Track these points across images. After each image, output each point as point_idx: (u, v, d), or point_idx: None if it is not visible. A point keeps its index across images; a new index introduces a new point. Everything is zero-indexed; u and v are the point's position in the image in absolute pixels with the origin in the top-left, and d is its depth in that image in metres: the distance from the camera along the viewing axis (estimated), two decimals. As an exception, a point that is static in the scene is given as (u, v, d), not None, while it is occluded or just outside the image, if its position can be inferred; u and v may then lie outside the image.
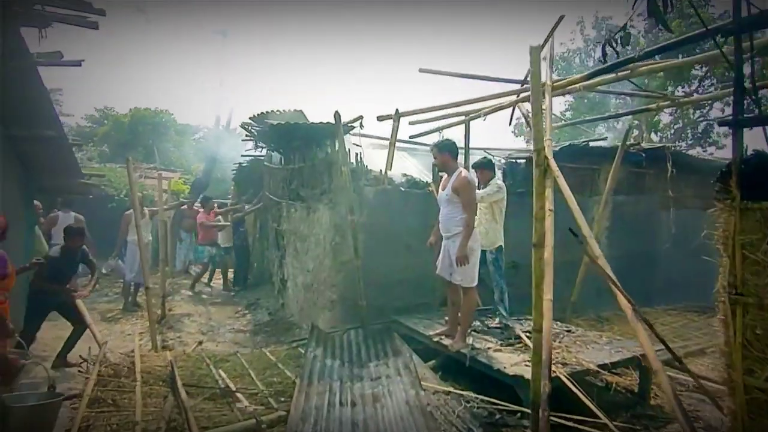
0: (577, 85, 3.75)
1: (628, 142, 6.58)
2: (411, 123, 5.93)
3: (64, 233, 5.20)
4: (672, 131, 15.66)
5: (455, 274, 4.54)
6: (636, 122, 11.62)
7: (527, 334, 4.79)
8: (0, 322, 3.69)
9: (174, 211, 10.53)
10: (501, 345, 4.55)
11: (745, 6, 2.05)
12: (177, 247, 11.17)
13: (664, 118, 15.46)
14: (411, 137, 6.61)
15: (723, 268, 2.45)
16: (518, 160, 7.44)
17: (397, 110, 5.69)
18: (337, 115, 5.44)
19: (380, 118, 5.74)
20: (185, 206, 11.05)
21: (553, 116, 6.70)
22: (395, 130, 5.70)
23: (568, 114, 15.41)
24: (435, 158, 4.79)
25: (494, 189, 5.22)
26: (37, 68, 4.23)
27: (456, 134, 6.62)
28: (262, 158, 9.64)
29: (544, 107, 3.67)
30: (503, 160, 7.45)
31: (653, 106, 5.44)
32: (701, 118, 15.18)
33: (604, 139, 7.32)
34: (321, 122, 5.77)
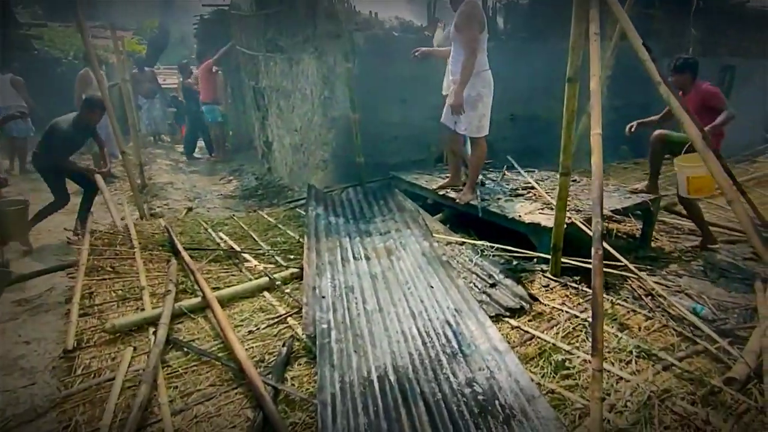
0: None
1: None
2: None
3: (84, 104, 4.63)
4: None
5: (459, 123, 4.19)
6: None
7: (538, 182, 4.67)
8: None
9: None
10: (510, 196, 4.42)
11: None
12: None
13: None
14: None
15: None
16: (520, 0, 6.67)
17: None
18: None
19: None
20: (136, 70, 9.92)
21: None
22: None
23: None
24: None
25: None
26: None
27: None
28: (227, 7, 8.47)
29: None
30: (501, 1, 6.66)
31: None
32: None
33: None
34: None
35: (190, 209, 5.77)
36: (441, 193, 4.56)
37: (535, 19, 6.63)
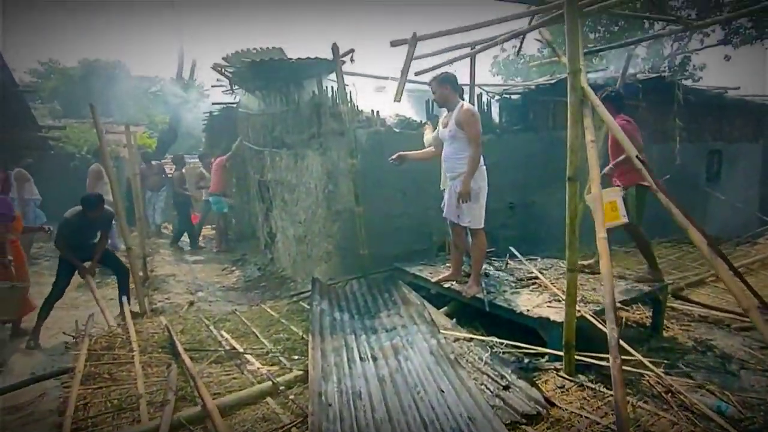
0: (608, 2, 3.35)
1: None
2: (415, 38, 5.34)
3: (81, 203, 4.82)
4: (650, 65, 15.49)
5: (463, 215, 4.27)
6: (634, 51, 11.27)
7: (542, 272, 4.65)
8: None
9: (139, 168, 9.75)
10: (516, 287, 4.38)
11: None
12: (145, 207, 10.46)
13: (641, 51, 15.26)
14: (416, 73, 5.97)
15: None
16: (512, 96, 7.08)
17: (414, 34, 5.07)
18: (335, 47, 4.92)
19: (394, 43, 5.17)
20: (144, 165, 10.28)
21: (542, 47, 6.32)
22: (410, 56, 5.11)
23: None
24: (434, 92, 4.34)
25: None
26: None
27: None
28: (235, 105, 8.97)
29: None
30: (497, 96, 7.07)
31: (665, 31, 5.11)
32: (679, 51, 15.05)
33: (605, 69, 7.00)
34: (308, 58, 5.22)
35: (191, 303, 5.70)
36: (446, 285, 4.53)
37: (528, 112, 6.99)
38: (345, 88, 5.08)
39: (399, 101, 5.13)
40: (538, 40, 4.51)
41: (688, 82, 15.49)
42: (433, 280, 4.67)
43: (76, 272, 4.90)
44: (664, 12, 5.06)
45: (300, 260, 6.39)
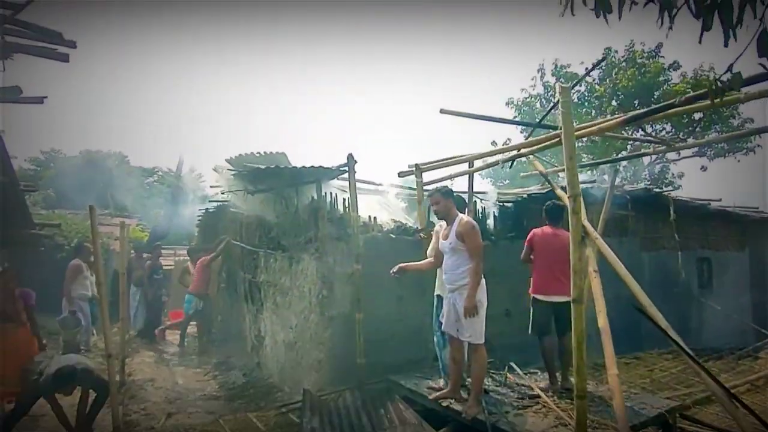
0: (597, 128, 3.56)
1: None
2: (419, 168, 5.60)
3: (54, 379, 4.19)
4: (631, 173, 16.29)
5: (463, 330, 4.15)
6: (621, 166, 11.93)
7: (547, 393, 4.43)
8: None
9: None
10: (518, 407, 4.15)
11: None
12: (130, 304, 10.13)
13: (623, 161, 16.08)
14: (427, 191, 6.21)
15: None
16: (506, 203, 7.27)
17: (417, 165, 5.44)
18: (350, 158, 5.12)
19: (401, 174, 5.73)
20: (134, 254, 10.18)
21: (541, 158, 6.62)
22: (420, 185, 5.46)
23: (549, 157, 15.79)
24: (437, 204, 4.36)
25: None
26: (-10, 106, 3.69)
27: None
28: (227, 203, 9.05)
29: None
30: (492, 204, 7.25)
31: (649, 150, 5.42)
32: (658, 161, 15.92)
33: (593, 182, 7.31)
34: (311, 166, 5.39)
35: (169, 415, 5.29)
36: (444, 404, 4.28)
37: (522, 220, 7.13)
38: (356, 196, 5.21)
39: (422, 234, 5.38)
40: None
41: (669, 189, 16.31)
42: (430, 397, 4.42)
43: None
44: (647, 134, 5.41)
45: (289, 367, 6.08)
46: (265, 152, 6.68)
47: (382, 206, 7.02)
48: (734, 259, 10.28)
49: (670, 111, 2.90)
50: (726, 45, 1.72)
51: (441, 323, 4.57)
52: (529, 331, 4.82)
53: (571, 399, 4.26)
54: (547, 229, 4.93)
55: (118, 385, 5.91)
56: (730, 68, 1.77)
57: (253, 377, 6.75)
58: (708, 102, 2.64)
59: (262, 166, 5.70)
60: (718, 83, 1.77)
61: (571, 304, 2.99)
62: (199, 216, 10.60)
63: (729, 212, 9.67)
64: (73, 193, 18.89)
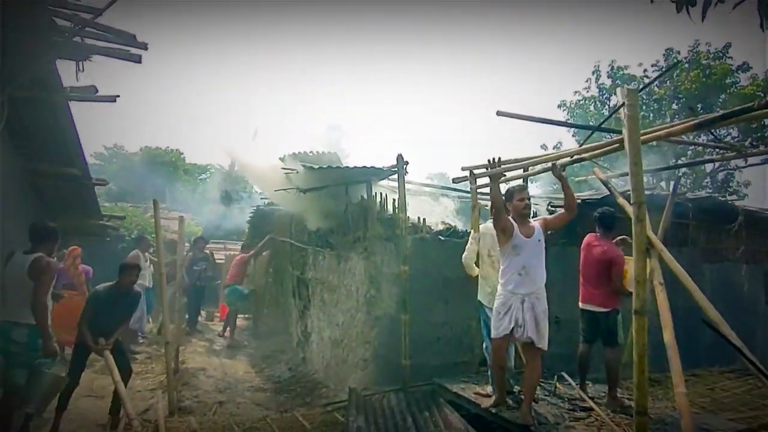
0: (665, 132, 3.38)
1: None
2: (463, 169, 5.54)
3: (119, 270, 4.75)
4: (691, 180, 15.46)
5: (540, 337, 3.91)
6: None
7: (596, 401, 4.28)
8: None
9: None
10: (569, 419, 4.02)
11: None
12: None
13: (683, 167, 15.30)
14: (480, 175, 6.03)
15: None
16: (558, 209, 7.06)
17: (471, 171, 5.34)
18: (399, 158, 5.15)
19: (456, 180, 5.74)
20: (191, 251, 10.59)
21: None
22: (474, 192, 5.37)
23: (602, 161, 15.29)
24: (527, 199, 4.14)
25: None
26: (68, 103, 3.94)
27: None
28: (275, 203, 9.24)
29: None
30: (544, 209, 7.07)
31: (717, 156, 5.13)
32: (721, 168, 15.02)
33: (652, 189, 6.98)
34: (363, 167, 5.44)
35: (220, 403, 5.48)
36: (494, 411, 4.20)
37: (575, 225, 6.90)
38: (405, 197, 5.20)
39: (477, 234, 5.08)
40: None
41: (733, 198, 15.38)
42: (483, 406, 4.32)
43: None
44: (715, 138, 5.09)
45: (334, 364, 6.16)
46: (318, 152, 6.79)
47: (432, 207, 6.98)
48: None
49: (747, 115, 2.72)
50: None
51: (490, 329, 4.48)
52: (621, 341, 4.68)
53: (625, 414, 4.10)
54: (591, 237, 4.85)
55: (174, 370, 6.22)
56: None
57: (298, 372, 6.88)
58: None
59: (316, 166, 5.80)
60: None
61: (633, 316, 2.86)
62: (251, 213, 10.89)
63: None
64: (133, 188, 19.92)
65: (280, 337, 8.95)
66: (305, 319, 7.23)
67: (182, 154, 23.68)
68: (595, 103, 17.03)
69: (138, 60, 3.55)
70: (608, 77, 16.77)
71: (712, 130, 3.75)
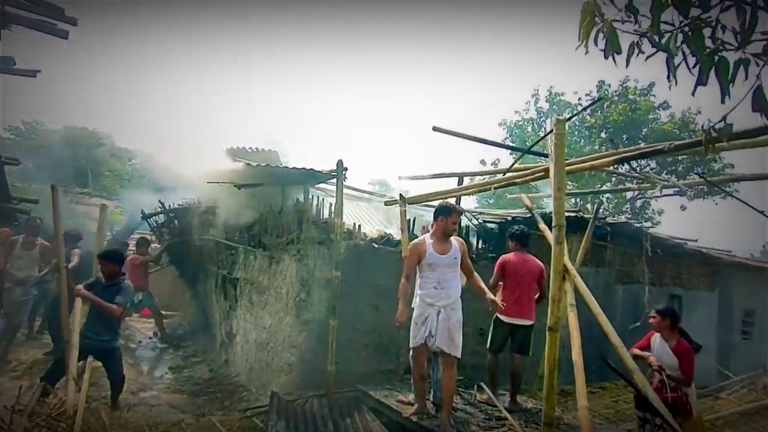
0: (589, 164, 3.63)
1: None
2: (400, 178, 5.64)
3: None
4: (613, 204, 16.59)
5: (455, 346, 4.09)
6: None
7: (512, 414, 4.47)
8: None
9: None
10: (484, 428, 4.17)
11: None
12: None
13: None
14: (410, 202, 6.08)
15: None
16: (489, 224, 7.34)
17: (401, 195, 5.51)
18: (339, 163, 5.11)
19: (388, 203, 5.79)
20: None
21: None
22: (403, 215, 5.42)
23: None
24: (454, 223, 4.27)
25: None
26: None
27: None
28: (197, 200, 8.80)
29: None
30: (475, 222, 7.32)
31: (633, 186, 5.56)
32: (640, 196, 16.24)
33: (577, 211, 7.42)
34: (302, 168, 5.37)
35: (132, 406, 5.17)
36: (414, 419, 4.26)
37: (504, 239, 7.20)
38: (342, 203, 5.17)
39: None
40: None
41: (648, 225, 16.66)
42: (404, 415, 4.36)
43: None
44: (633, 169, 5.55)
45: (258, 368, 6.01)
46: (258, 148, 6.62)
47: (369, 213, 7.01)
48: (704, 298, 10.52)
49: (659, 155, 2.97)
50: (723, 102, 1.78)
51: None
52: (487, 347, 5.04)
53: (536, 423, 4.32)
54: (516, 255, 5.05)
55: (80, 369, 5.78)
56: (723, 119, 1.84)
57: (219, 374, 6.65)
58: (699, 148, 2.71)
59: (254, 163, 5.65)
60: (712, 132, 1.84)
61: (547, 332, 3.02)
62: (178, 205, 10.34)
63: (703, 253, 9.91)
64: (52, 168, 18.42)
65: (202, 336, 8.61)
66: (230, 319, 7.00)
67: (111, 136, 22.23)
68: (533, 124, 17.91)
69: (65, 36, 3.30)
70: (546, 101, 17.71)
71: (631, 163, 4.05)
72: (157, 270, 11.06)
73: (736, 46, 1.97)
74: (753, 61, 2.00)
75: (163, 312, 10.33)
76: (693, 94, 2.21)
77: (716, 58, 2.08)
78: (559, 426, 4.34)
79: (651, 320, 4.44)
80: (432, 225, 4.40)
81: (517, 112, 18.28)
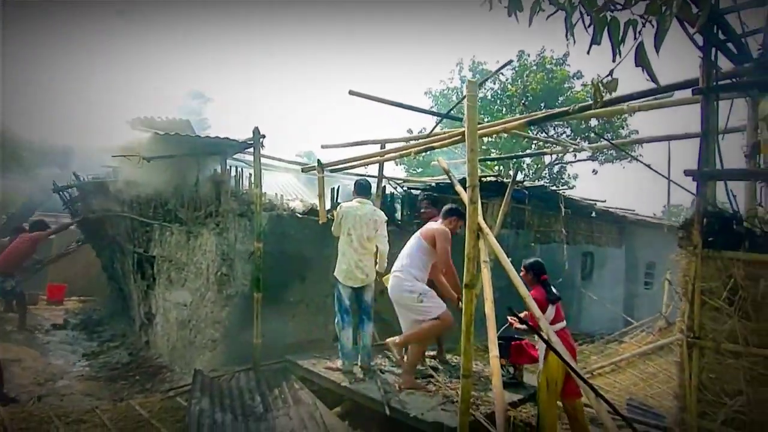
0: (501, 127, 3.72)
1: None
2: (323, 147, 5.52)
3: None
4: (533, 170, 17.41)
5: (430, 310, 4.36)
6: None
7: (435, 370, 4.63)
8: None
9: None
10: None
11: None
12: None
13: (527, 159, 17.16)
14: (329, 168, 5.99)
15: (682, 311, 2.47)
16: (413, 191, 7.43)
17: (319, 161, 5.47)
18: (256, 131, 4.87)
19: (305, 170, 5.81)
20: None
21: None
22: (321, 181, 5.39)
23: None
24: (425, 210, 4.96)
25: None
26: None
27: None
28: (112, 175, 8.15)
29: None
30: (399, 190, 7.37)
31: (556, 149, 5.84)
32: (557, 161, 17.17)
33: (498, 176, 7.68)
34: (216, 137, 5.09)
35: (38, 398, 4.81)
36: (344, 385, 4.31)
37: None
38: (260, 172, 4.96)
39: (325, 221, 5.33)
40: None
41: (564, 188, 17.68)
42: (329, 377, 4.42)
43: None
44: (549, 136, 5.82)
45: (181, 347, 5.78)
46: (167, 118, 6.19)
47: (300, 189, 6.85)
48: (613, 254, 11.43)
49: (565, 117, 3.11)
50: (614, 60, 1.87)
51: (344, 305, 4.61)
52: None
53: (458, 378, 4.53)
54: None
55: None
56: (610, 73, 1.94)
57: (139, 357, 6.33)
58: (596, 109, 2.85)
59: (162, 132, 5.28)
60: (600, 85, 1.93)
61: (463, 288, 3.12)
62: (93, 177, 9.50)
63: (611, 212, 10.70)
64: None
65: (119, 320, 8.14)
66: (149, 299, 6.65)
67: None
68: (457, 93, 18.20)
69: None
70: (469, 70, 18.02)
71: (546, 128, 4.22)
72: (72, 251, 10.27)
73: (621, 5, 2.06)
74: (639, 21, 2.12)
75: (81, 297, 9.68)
76: (588, 52, 2.31)
77: (608, 18, 2.19)
78: (480, 379, 4.57)
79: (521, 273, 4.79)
80: (441, 219, 4.67)
81: (442, 81, 18.51)
